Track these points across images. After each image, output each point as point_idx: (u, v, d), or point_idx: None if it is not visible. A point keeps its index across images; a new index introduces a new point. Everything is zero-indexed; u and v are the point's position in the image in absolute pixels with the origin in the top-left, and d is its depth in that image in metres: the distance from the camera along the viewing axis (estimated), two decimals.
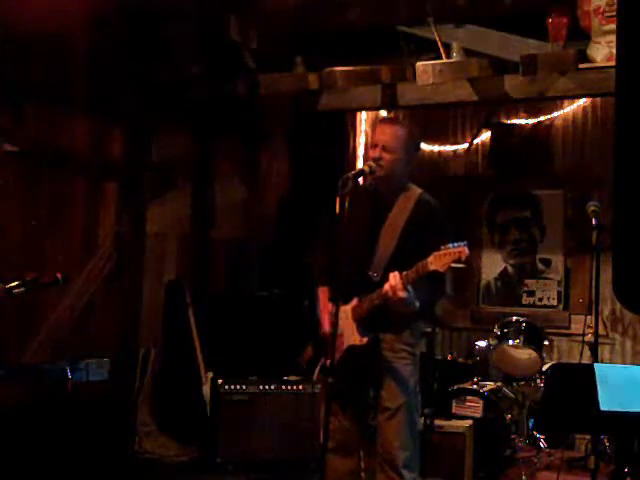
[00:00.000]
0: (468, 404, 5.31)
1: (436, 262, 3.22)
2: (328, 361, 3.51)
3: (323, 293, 3.73)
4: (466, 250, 3.22)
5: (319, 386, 5.39)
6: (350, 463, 3.70)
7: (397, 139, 3.57)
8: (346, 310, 3.55)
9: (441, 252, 3.22)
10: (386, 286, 3.31)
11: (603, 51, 4.83)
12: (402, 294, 3.28)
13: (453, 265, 3.22)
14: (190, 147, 6.44)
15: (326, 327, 3.61)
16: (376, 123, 3.87)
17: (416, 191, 3.64)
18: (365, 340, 3.51)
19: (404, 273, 3.29)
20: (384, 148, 3.54)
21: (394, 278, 3.28)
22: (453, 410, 5.31)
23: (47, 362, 4.48)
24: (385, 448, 3.56)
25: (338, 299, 3.36)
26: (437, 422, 5.07)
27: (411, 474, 3.54)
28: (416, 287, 3.33)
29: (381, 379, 3.56)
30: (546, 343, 5.68)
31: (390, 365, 3.56)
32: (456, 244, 3.22)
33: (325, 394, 3.53)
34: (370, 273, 3.52)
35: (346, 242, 3.52)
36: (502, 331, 5.68)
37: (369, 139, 7.12)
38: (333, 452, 3.60)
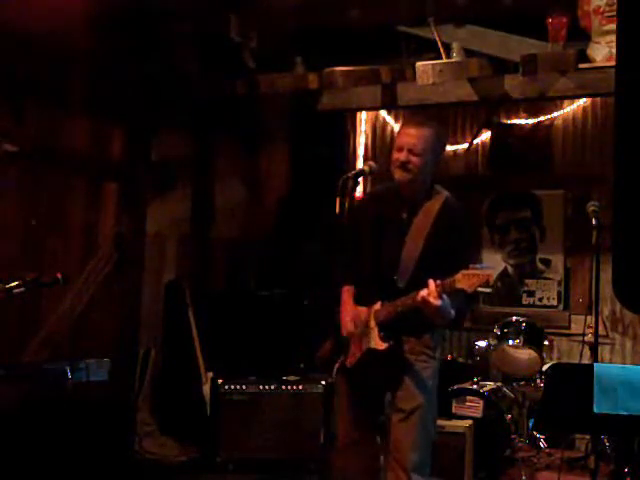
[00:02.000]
0: (468, 404, 5.31)
1: (464, 281, 3.11)
2: (349, 360, 3.51)
3: (346, 292, 3.65)
4: (493, 275, 3.13)
5: (319, 386, 5.42)
6: (367, 462, 3.65)
7: (424, 141, 3.45)
8: (367, 312, 3.52)
9: (469, 272, 3.11)
10: (423, 292, 3.20)
11: (603, 51, 4.84)
12: (437, 302, 3.17)
13: (480, 289, 3.12)
14: (190, 147, 6.44)
15: (348, 327, 3.55)
16: (401, 125, 3.71)
17: (442, 194, 3.54)
18: (385, 345, 3.44)
19: (438, 282, 3.18)
20: (411, 151, 3.42)
21: (431, 285, 3.18)
22: (453, 410, 5.30)
23: (47, 362, 4.48)
24: (396, 449, 3.52)
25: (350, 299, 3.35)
26: (437, 422, 5.07)
27: (420, 478, 3.50)
28: (451, 298, 3.24)
29: (399, 380, 3.51)
30: (546, 343, 5.67)
31: (409, 367, 3.51)
32: (485, 266, 3.14)
33: (325, 394, 3.51)
34: (395, 278, 3.44)
35: (370, 245, 3.52)
36: (502, 331, 5.68)
37: (369, 142, 7.13)
38: (350, 450, 3.59)
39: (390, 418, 3.55)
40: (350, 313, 3.59)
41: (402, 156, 3.43)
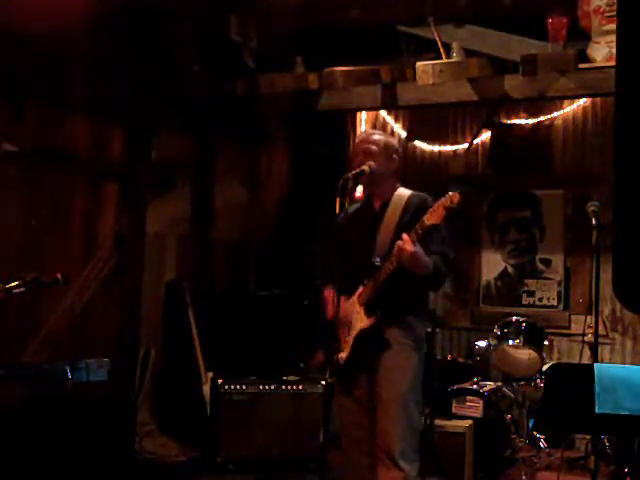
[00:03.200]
0: (468, 404, 5.31)
1: (432, 217, 3.37)
2: (340, 355, 3.63)
3: (328, 292, 3.84)
4: (457, 195, 3.34)
5: (319, 386, 5.42)
6: (370, 458, 3.67)
7: (373, 142, 3.77)
8: (351, 302, 3.66)
9: (434, 207, 3.38)
10: (398, 243, 3.43)
11: (603, 51, 4.84)
12: (412, 247, 3.39)
13: (448, 206, 3.32)
14: (190, 147, 6.44)
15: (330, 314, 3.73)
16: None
17: (407, 191, 3.82)
18: (372, 320, 3.59)
19: (411, 232, 3.43)
20: (364, 152, 3.74)
21: (404, 235, 3.42)
22: (453, 410, 5.31)
23: (47, 362, 4.48)
24: (382, 438, 3.57)
25: (339, 293, 3.54)
26: (437, 422, 5.08)
27: (408, 465, 3.54)
28: (423, 247, 3.46)
29: (380, 367, 3.59)
30: (546, 343, 5.67)
31: (390, 354, 3.60)
32: (447, 195, 3.36)
33: (326, 392, 3.55)
34: (373, 259, 3.63)
35: (348, 243, 3.77)
36: (502, 331, 5.68)
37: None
38: (355, 448, 3.66)
39: (375, 407, 3.60)
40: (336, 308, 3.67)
41: (357, 161, 3.75)
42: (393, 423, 3.55)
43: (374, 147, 3.74)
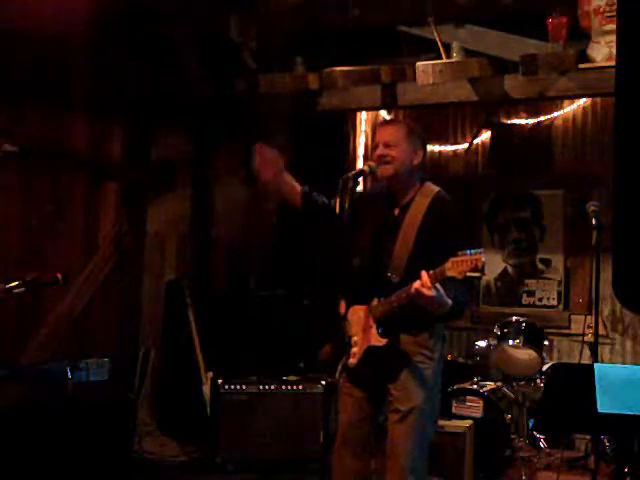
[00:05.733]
0: (468, 404, 5.31)
1: (453, 268, 3.12)
2: (350, 360, 3.50)
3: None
4: (482, 258, 3.10)
5: (319, 386, 5.42)
6: (359, 463, 3.63)
7: (397, 134, 3.56)
8: (365, 310, 3.53)
9: (458, 259, 3.13)
10: (416, 284, 3.19)
11: (603, 51, 4.84)
12: (431, 293, 3.16)
13: (469, 274, 3.11)
14: (190, 147, 6.44)
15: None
16: (375, 127, 3.82)
17: (433, 189, 3.59)
18: (384, 341, 3.45)
19: (430, 272, 3.19)
20: (386, 145, 3.53)
21: (424, 276, 3.18)
22: (453, 410, 5.30)
23: (47, 362, 4.49)
24: (393, 450, 3.51)
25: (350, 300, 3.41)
26: (437, 422, 5.07)
27: (416, 477, 3.48)
28: (445, 287, 3.22)
29: (395, 380, 3.50)
30: (546, 343, 5.67)
31: (406, 366, 3.49)
32: (473, 251, 3.10)
33: (326, 393, 3.51)
34: (389, 274, 3.47)
35: (365, 244, 3.59)
36: (502, 331, 5.68)
37: (370, 142, 7.14)
38: (344, 448, 3.60)
39: (388, 419, 3.53)
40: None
41: (379, 151, 3.54)
42: (405, 436, 3.47)
43: (395, 138, 3.52)
